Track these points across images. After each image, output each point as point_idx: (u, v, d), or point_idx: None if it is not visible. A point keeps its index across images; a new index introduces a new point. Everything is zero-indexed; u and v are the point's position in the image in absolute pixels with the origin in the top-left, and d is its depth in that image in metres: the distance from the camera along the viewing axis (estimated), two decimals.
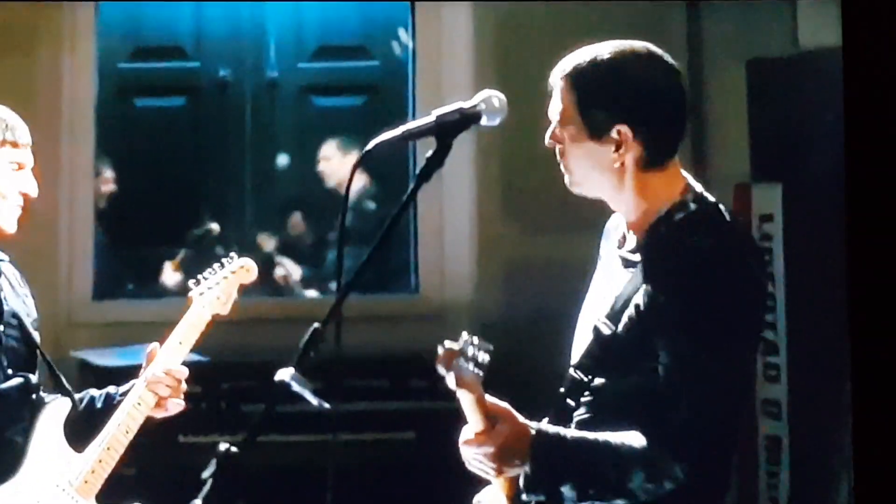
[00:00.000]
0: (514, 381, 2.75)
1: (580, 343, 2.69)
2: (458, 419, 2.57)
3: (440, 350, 2.46)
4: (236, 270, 3.35)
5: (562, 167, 2.67)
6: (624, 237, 2.70)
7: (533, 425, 2.56)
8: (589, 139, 2.61)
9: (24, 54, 5.47)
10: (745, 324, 2.58)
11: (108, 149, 5.90)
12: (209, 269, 3.35)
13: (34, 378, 3.22)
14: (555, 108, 2.65)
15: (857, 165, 3.46)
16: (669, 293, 2.52)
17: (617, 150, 2.59)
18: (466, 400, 2.51)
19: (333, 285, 5.82)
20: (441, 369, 2.46)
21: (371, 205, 5.99)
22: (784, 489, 4.93)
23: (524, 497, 2.59)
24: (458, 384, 2.47)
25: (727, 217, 2.66)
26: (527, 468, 2.54)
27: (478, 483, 2.68)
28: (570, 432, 2.58)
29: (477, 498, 2.74)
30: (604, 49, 2.63)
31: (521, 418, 2.55)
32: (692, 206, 2.61)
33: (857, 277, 3.49)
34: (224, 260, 3.37)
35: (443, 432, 2.63)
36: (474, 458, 2.56)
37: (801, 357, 4.87)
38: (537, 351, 3.69)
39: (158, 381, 3.22)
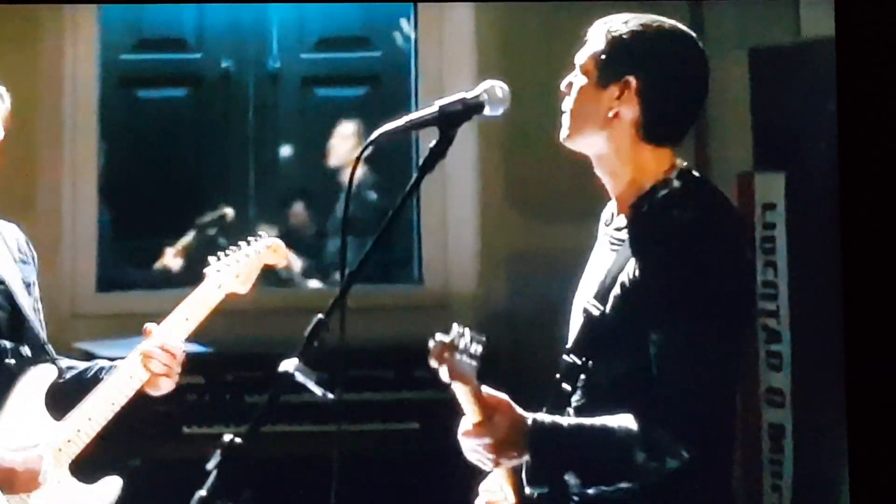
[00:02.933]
0: (517, 370, 2.75)
1: (573, 326, 2.69)
2: (462, 409, 2.57)
3: (431, 343, 2.46)
4: (262, 250, 3.21)
5: (563, 117, 2.69)
6: (612, 216, 2.71)
7: (529, 416, 2.55)
8: (595, 85, 2.64)
9: (27, 46, 5.46)
10: (733, 293, 2.57)
11: (111, 140, 5.91)
12: (233, 246, 3.21)
13: (8, 344, 3.11)
14: (580, 57, 2.68)
15: (851, 157, 3.47)
16: (654, 268, 2.52)
17: (618, 97, 2.60)
18: (461, 392, 2.51)
19: (336, 276, 5.80)
20: (433, 363, 2.46)
21: (374, 195, 5.99)
22: (787, 478, 4.93)
23: (527, 490, 2.59)
24: (452, 377, 2.46)
25: (711, 192, 2.67)
26: (527, 460, 2.54)
27: (482, 474, 2.68)
28: (567, 420, 2.57)
29: (482, 486, 2.74)
30: (651, 16, 2.68)
31: (518, 409, 2.55)
32: (675, 182, 2.62)
33: (852, 270, 3.49)
34: (250, 238, 3.23)
35: (447, 422, 2.63)
36: (473, 449, 2.56)
37: (804, 345, 4.87)
38: (541, 340, 3.69)
39: (152, 355, 3.08)
